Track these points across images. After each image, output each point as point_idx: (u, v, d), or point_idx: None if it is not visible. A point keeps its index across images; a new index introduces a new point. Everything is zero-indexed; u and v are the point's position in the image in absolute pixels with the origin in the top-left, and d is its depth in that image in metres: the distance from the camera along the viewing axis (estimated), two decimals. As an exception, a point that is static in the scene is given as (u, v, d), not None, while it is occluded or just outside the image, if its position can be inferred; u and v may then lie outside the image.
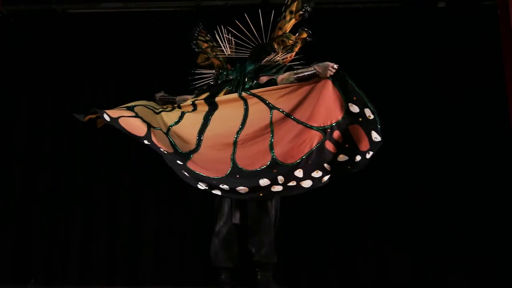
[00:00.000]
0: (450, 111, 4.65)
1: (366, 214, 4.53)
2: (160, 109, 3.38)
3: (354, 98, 3.01)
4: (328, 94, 3.04)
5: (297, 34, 3.46)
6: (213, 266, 3.28)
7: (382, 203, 4.52)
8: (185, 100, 3.46)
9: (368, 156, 2.98)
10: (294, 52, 3.43)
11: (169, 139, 3.11)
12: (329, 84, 3.06)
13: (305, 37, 3.42)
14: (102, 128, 4.80)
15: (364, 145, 2.97)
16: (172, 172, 3.03)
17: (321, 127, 3.00)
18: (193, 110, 3.29)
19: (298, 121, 3.04)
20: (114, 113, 3.16)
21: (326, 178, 2.98)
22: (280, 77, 3.23)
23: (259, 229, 3.14)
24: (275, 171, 2.93)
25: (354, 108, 3.00)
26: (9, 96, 4.93)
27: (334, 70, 3.07)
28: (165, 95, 3.64)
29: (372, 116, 2.97)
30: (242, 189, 2.91)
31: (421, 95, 4.69)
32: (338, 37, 4.80)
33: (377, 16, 4.87)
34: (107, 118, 3.09)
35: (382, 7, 4.91)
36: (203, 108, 3.27)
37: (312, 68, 3.11)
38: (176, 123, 3.20)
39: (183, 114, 3.27)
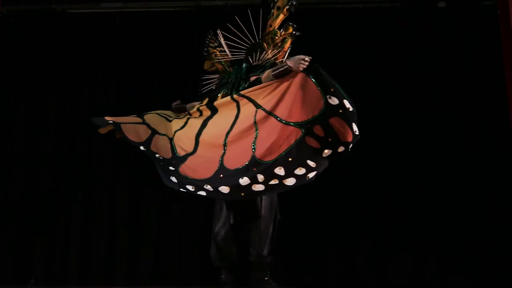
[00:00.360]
0: (450, 111, 4.65)
1: (366, 213, 4.52)
2: (174, 117, 3.48)
3: (332, 90, 2.94)
4: (304, 88, 3.00)
5: (283, 29, 3.44)
6: (213, 266, 3.29)
7: (382, 203, 4.52)
8: (193, 107, 3.51)
9: (350, 146, 2.93)
10: (286, 49, 3.40)
11: (172, 144, 3.17)
12: (304, 78, 3.02)
13: (292, 32, 3.39)
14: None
15: (348, 136, 2.91)
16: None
17: (298, 122, 2.95)
18: (199, 116, 3.36)
19: (277, 118, 3.00)
20: (117, 119, 3.25)
21: (311, 175, 2.94)
22: (263, 76, 3.22)
23: (255, 229, 3.16)
24: (254, 169, 2.90)
25: (333, 100, 2.92)
26: (9, 96, 4.93)
27: (305, 63, 3.01)
28: (179, 103, 3.67)
29: (351, 108, 2.91)
30: (223, 188, 2.91)
31: (421, 95, 4.69)
32: (338, 37, 4.80)
33: (377, 16, 4.87)
34: (111, 124, 3.21)
35: (382, 7, 4.91)
36: (206, 113, 3.33)
37: (285, 63, 3.08)
38: (181, 128, 3.28)
39: (188, 120, 3.36)
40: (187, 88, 4.84)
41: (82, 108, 4.90)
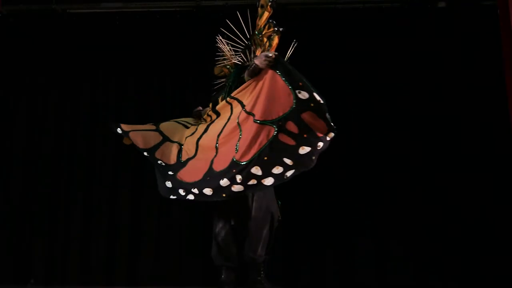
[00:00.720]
0: (450, 111, 4.65)
1: (366, 213, 4.52)
2: (192, 124, 3.51)
3: (300, 84, 2.91)
4: (274, 85, 2.97)
5: (265, 27, 3.41)
6: (214, 266, 3.30)
7: (382, 203, 4.52)
8: (206, 112, 3.55)
9: (328, 138, 2.88)
10: (275, 45, 3.37)
11: (179, 150, 3.21)
12: (273, 75, 2.99)
13: (274, 29, 3.35)
14: (102, 129, 4.86)
15: (323, 129, 2.86)
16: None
17: (268, 120, 2.92)
18: (209, 121, 3.39)
19: (253, 118, 2.99)
20: (127, 127, 3.35)
21: (289, 173, 2.89)
22: (245, 77, 3.23)
23: (247, 230, 3.16)
24: (234, 170, 2.90)
25: (303, 95, 2.88)
26: (9, 96, 4.93)
27: (269, 59, 2.99)
28: (200, 109, 3.68)
29: (322, 100, 2.87)
30: (207, 190, 2.94)
31: (421, 95, 4.69)
32: (338, 37, 4.80)
33: (377, 16, 4.87)
34: (119, 131, 3.32)
35: (382, 7, 4.91)
36: (213, 118, 3.36)
37: (253, 62, 3.08)
38: (192, 134, 3.32)
39: (198, 125, 3.40)
40: (187, 88, 4.85)
41: (82, 108, 4.90)
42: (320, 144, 2.87)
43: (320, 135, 2.87)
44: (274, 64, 2.99)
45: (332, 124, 2.85)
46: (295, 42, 3.44)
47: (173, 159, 3.17)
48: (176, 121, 3.52)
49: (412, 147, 4.61)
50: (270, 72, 3.00)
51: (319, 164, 4.58)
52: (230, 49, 3.55)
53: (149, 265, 4.56)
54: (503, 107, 4.22)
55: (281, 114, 2.90)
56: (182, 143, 3.25)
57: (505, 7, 4.10)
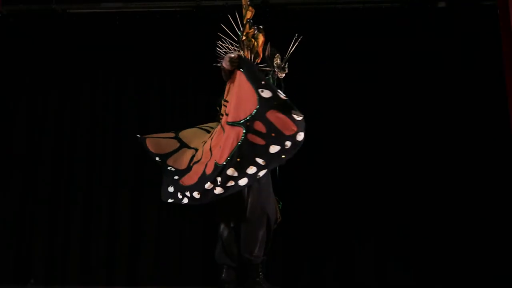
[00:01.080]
0: (450, 111, 4.65)
1: (366, 213, 4.53)
2: (214, 128, 3.49)
3: (263, 83, 2.91)
4: (240, 86, 2.98)
5: (245, 28, 3.39)
6: (214, 265, 3.31)
7: (382, 203, 4.52)
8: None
9: (299, 138, 2.83)
10: (261, 43, 3.34)
11: (192, 156, 3.21)
12: (240, 75, 3.00)
13: (254, 28, 3.33)
14: (102, 129, 4.86)
15: (290, 128, 2.81)
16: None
17: (237, 121, 2.92)
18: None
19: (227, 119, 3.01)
20: (148, 136, 3.40)
21: (261, 173, 2.89)
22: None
23: (245, 231, 3.16)
24: (216, 173, 2.92)
25: (266, 93, 2.86)
26: (9, 96, 4.93)
27: (233, 60, 3.00)
28: None
29: (285, 97, 2.85)
30: (195, 194, 2.96)
31: (421, 95, 4.69)
32: (338, 37, 4.80)
33: (377, 16, 4.87)
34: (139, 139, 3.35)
35: (382, 7, 4.91)
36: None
37: (220, 64, 3.10)
38: (209, 138, 3.33)
39: (214, 130, 3.40)
40: (187, 88, 4.85)
41: (82, 108, 4.90)
42: (288, 143, 2.83)
43: (288, 133, 2.82)
44: (238, 64, 3.01)
45: (299, 122, 2.80)
46: (298, 37, 3.39)
47: (184, 165, 3.17)
48: (199, 127, 3.49)
49: (412, 147, 4.60)
50: (238, 72, 3.03)
51: (319, 164, 4.64)
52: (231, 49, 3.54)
53: (149, 265, 4.56)
54: (503, 107, 4.23)
55: (248, 114, 2.89)
56: (198, 148, 3.26)
57: (505, 7, 4.10)
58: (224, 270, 3.25)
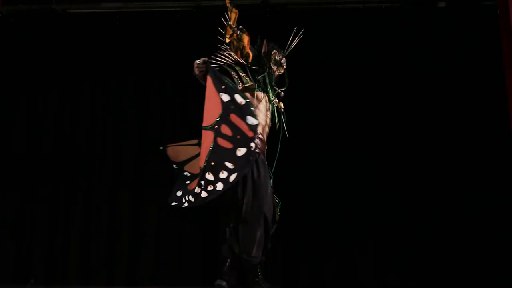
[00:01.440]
0: (450, 111, 4.65)
1: (366, 214, 4.53)
2: None
3: (223, 87, 2.97)
4: (209, 91, 3.02)
5: (227, 32, 3.39)
6: (215, 264, 3.32)
7: (382, 204, 4.52)
8: None
9: (252, 145, 2.90)
10: (247, 43, 3.34)
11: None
12: (208, 80, 3.04)
13: (233, 30, 3.33)
14: (102, 129, 4.87)
15: (249, 131, 2.90)
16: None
17: (208, 126, 2.95)
18: None
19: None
20: (171, 144, 3.42)
21: (232, 177, 2.90)
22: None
23: (242, 231, 3.15)
24: (200, 177, 2.94)
25: (225, 97, 2.94)
26: (9, 96, 4.93)
27: (199, 66, 3.07)
28: None
29: (243, 101, 2.91)
30: (190, 197, 2.99)
31: (421, 95, 4.69)
32: (338, 37, 4.80)
33: (377, 16, 4.87)
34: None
35: (382, 7, 4.92)
36: None
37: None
38: None
39: None
40: (187, 88, 4.84)
41: (82, 108, 4.90)
42: (253, 144, 2.90)
43: (250, 135, 2.90)
44: (206, 69, 3.05)
45: (253, 125, 2.88)
46: (297, 33, 3.38)
47: (197, 170, 3.16)
48: None
49: (412, 147, 4.60)
50: (208, 77, 3.06)
51: (319, 164, 4.64)
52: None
53: (149, 265, 4.56)
54: (503, 107, 4.23)
55: (215, 118, 2.94)
56: None
57: (505, 7, 4.10)
58: (228, 263, 3.25)
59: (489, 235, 4.39)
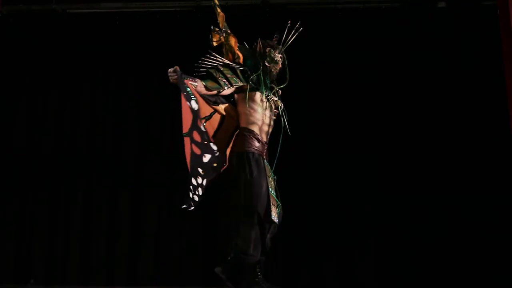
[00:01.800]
0: (450, 111, 4.65)
1: (366, 214, 4.53)
2: None
3: (184, 93, 3.04)
4: (182, 98, 3.06)
5: (214, 36, 3.38)
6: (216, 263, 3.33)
7: (382, 204, 4.52)
8: None
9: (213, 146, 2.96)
10: (234, 44, 3.34)
11: None
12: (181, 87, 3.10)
13: (218, 33, 3.32)
14: (102, 129, 4.86)
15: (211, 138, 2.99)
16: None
17: (185, 133, 2.99)
18: None
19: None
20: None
21: (204, 183, 2.97)
22: None
23: (237, 230, 3.15)
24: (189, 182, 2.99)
25: (194, 104, 3.01)
26: (9, 96, 4.93)
27: (170, 74, 3.12)
28: None
29: (196, 107, 2.98)
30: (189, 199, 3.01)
31: (421, 95, 4.69)
32: (338, 37, 4.80)
33: (377, 16, 4.87)
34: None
35: (382, 7, 4.92)
36: None
37: None
38: None
39: None
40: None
41: (82, 108, 4.90)
42: (214, 147, 2.95)
43: (212, 140, 2.97)
44: (176, 78, 3.11)
45: (203, 131, 2.94)
46: (291, 26, 3.35)
47: None
48: None
49: (412, 147, 4.60)
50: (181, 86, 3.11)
51: (319, 164, 4.64)
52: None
53: (149, 265, 4.56)
54: (503, 107, 4.22)
55: (189, 125, 2.99)
56: None
57: (505, 7, 4.10)
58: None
59: (489, 235, 4.39)
